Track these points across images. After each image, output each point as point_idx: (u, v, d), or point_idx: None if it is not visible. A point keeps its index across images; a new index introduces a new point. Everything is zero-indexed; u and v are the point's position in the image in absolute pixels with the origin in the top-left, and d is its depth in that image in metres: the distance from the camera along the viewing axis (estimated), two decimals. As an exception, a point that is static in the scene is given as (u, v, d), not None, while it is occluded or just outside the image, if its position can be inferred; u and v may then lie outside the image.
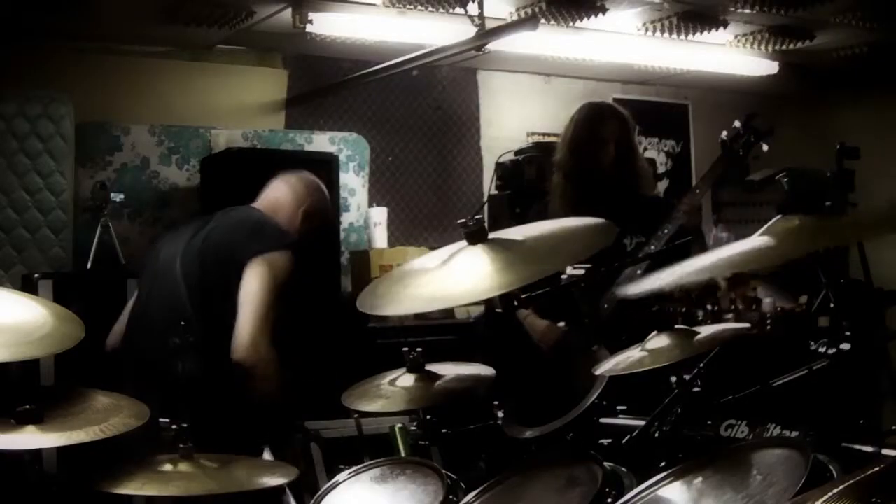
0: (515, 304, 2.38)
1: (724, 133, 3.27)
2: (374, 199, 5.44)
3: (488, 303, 4.06)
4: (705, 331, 2.11)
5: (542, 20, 4.22)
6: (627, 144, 3.55)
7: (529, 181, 4.97)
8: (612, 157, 3.47)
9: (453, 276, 1.96)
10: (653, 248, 3.20)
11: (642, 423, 2.19)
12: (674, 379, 2.18)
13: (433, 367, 2.42)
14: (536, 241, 2.04)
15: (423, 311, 1.94)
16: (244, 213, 3.20)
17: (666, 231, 3.22)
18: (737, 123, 3.25)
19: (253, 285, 2.90)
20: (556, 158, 3.66)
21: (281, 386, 2.92)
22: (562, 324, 3.34)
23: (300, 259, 3.06)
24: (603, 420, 2.30)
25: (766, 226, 1.69)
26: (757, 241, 1.68)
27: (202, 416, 2.36)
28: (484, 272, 1.91)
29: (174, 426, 2.06)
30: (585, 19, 4.37)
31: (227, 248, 3.00)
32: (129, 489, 1.93)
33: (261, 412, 2.86)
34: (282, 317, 2.96)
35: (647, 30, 4.69)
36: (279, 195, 3.28)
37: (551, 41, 4.84)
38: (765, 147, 3.22)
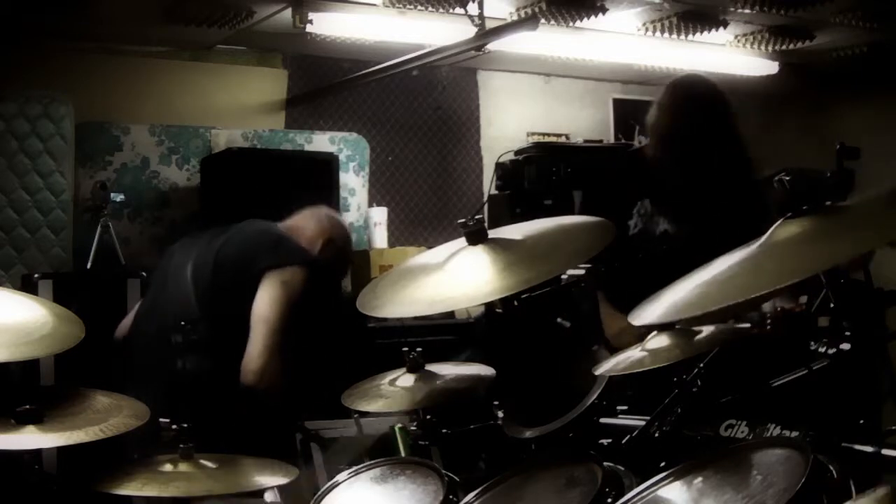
0: (515, 303, 2.38)
1: None
2: (374, 199, 5.44)
3: (488, 303, 4.06)
4: (705, 331, 2.11)
5: (542, 20, 4.22)
6: (734, 131, 3.19)
7: (529, 181, 4.97)
8: (723, 143, 3.12)
9: (454, 279, 1.95)
10: None
11: (642, 423, 2.19)
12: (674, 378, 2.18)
13: (433, 367, 2.42)
14: (536, 241, 2.04)
15: (424, 314, 1.94)
16: (265, 225, 3.18)
17: None
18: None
19: (267, 304, 2.87)
20: (654, 122, 3.25)
21: (283, 391, 2.91)
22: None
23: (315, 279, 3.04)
24: (603, 420, 2.30)
25: (765, 235, 1.66)
26: (756, 259, 1.64)
27: (202, 415, 2.36)
28: (484, 275, 1.90)
29: (174, 426, 2.06)
30: (585, 19, 4.38)
31: (245, 255, 2.98)
32: (128, 490, 1.93)
33: (261, 413, 2.85)
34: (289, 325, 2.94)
35: (647, 30, 4.69)
36: (303, 223, 3.24)
37: (551, 41, 4.84)
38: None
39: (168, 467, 2.02)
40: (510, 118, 5.93)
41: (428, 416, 2.45)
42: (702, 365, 2.16)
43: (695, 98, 3.19)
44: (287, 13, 4.26)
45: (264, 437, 2.66)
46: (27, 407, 1.90)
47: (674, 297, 1.73)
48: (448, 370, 2.44)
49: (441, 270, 1.99)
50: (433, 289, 1.98)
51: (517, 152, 5.23)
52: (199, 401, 2.64)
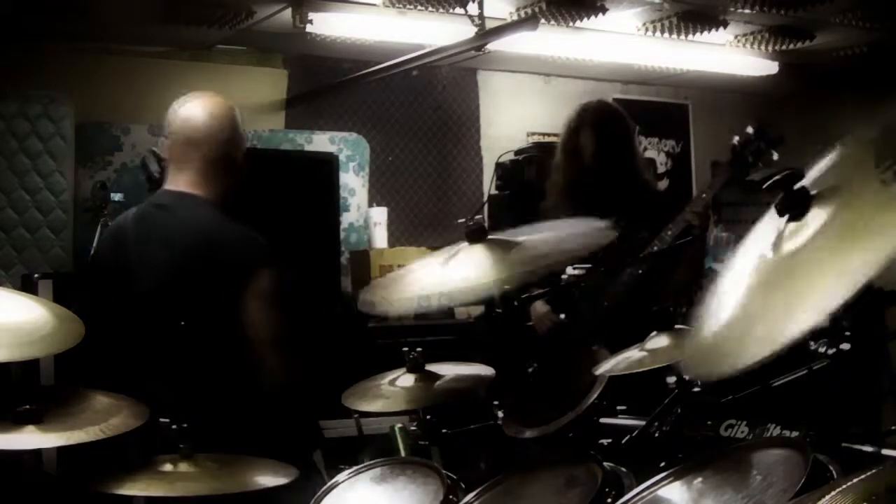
0: (515, 304, 2.39)
1: (736, 139, 3.27)
2: (374, 199, 5.44)
3: (488, 303, 4.08)
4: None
5: (542, 20, 4.22)
6: (621, 142, 3.58)
7: (529, 181, 4.98)
8: (605, 154, 3.51)
9: (451, 269, 1.96)
10: (656, 248, 3.21)
11: (642, 423, 2.19)
12: (673, 379, 2.18)
13: (433, 367, 2.42)
14: (535, 240, 2.04)
15: (420, 303, 1.94)
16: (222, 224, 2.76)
17: (670, 233, 3.23)
18: (749, 129, 3.25)
19: (263, 307, 2.65)
20: (554, 160, 3.72)
21: (298, 384, 2.83)
22: (562, 315, 3.38)
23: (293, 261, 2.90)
24: (603, 420, 2.30)
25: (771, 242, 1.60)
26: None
27: (216, 416, 2.36)
28: (481, 264, 1.91)
29: (174, 426, 2.05)
30: (585, 19, 4.38)
31: (218, 261, 2.68)
32: (131, 490, 1.92)
33: (275, 407, 2.76)
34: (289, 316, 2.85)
35: (647, 30, 4.69)
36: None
37: (551, 41, 4.84)
38: (775, 156, 3.23)
39: (168, 467, 2.02)
40: (510, 118, 5.93)
41: (428, 416, 2.45)
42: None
43: (591, 113, 3.61)
44: (287, 13, 4.26)
45: (273, 437, 2.61)
46: (27, 407, 1.90)
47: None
48: (448, 370, 2.44)
49: (439, 267, 2.00)
50: (430, 278, 1.98)
51: (517, 152, 5.23)
52: (209, 400, 2.60)
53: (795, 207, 1.49)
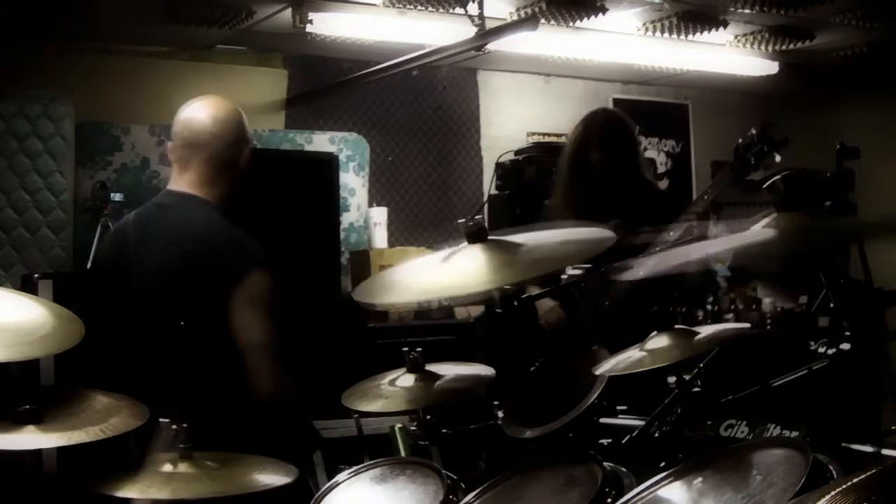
0: (515, 304, 2.39)
1: (740, 140, 3.27)
2: (374, 199, 5.44)
3: (489, 303, 4.09)
4: (705, 331, 2.11)
5: (542, 20, 4.22)
6: (626, 151, 3.62)
7: (529, 181, 4.98)
8: (610, 165, 3.53)
9: (450, 270, 1.95)
10: (657, 249, 3.21)
11: (642, 423, 2.19)
12: (673, 379, 2.18)
13: (433, 367, 2.42)
14: (535, 243, 2.04)
15: (417, 301, 1.94)
16: (219, 226, 2.76)
17: (672, 234, 3.22)
18: (752, 131, 3.24)
19: (253, 309, 2.65)
20: (559, 162, 3.74)
21: (289, 389, 2.83)
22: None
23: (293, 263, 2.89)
24: (603, 420, 2.30)
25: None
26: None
27: (216, 416, 2.36)
28: (480, 268, 1.91)
29: (174, 426, 2.05)
30: (585, 19, 4.38)
31: (215, 264, 2.69)
32: (130, 491, 1.92)
33: (268, 413, 2.78)
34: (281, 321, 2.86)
35: (647, 30, 4.69)
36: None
37: (551, 41, 4.84)
38: (777, 158, 3.23)
39: (168, 467, 2.02)
40: (510, 118, 5.93)
41: (428, 416, 2.45)
42: (702, 365, 2.16)
43: (597, 124, 3.70)
44: (287, 13, 4.26)
45: (271, 437, 2.61)
46: (27, 407, 1.90)
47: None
48: (448, 370, 2.44)
49: (439, 266, 1.99)
50: (428, 278, 1.98)
51: (517, 152, 5.23)
52: (209, 402, 2.59)
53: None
